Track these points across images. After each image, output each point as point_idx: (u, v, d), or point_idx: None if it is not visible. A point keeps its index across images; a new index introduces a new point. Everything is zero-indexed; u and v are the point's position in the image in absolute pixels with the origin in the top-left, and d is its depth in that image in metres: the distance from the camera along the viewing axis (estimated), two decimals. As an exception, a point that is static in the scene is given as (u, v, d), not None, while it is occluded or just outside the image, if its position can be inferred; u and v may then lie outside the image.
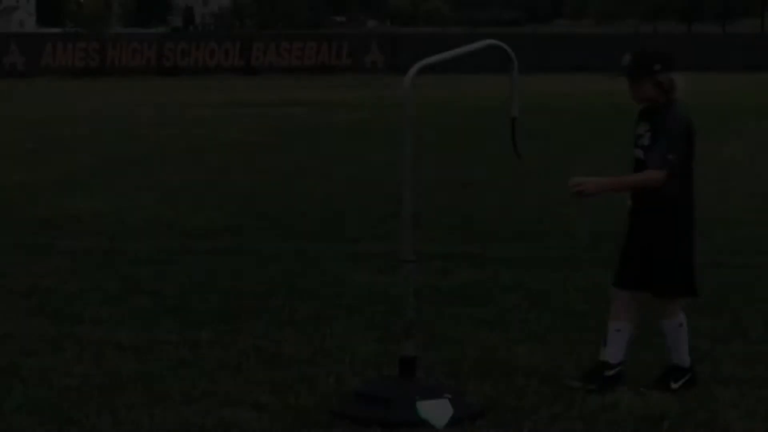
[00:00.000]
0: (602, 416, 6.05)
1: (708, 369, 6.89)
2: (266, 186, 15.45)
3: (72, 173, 16.93)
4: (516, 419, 6.00)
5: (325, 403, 6.21)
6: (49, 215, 12.88)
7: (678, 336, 6.55)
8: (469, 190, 14.96)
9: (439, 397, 6.00)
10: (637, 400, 6.27)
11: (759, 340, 7.63)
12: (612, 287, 6.61)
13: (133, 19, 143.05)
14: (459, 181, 15.79)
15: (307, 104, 34.25)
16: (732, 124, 26.48)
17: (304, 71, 62.14)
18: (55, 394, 6.40)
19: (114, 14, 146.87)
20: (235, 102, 35.39)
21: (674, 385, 6.49)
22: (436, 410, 5.94)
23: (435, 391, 6.06)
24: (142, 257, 10.43)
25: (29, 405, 6.20)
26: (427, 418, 5.92)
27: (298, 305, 8.53)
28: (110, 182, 15.86)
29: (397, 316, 7.34)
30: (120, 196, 14.38)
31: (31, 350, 7.28)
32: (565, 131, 22.85)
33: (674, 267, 6.43)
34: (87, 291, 9.02)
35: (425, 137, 21.36)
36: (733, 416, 6.07)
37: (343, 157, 19.28)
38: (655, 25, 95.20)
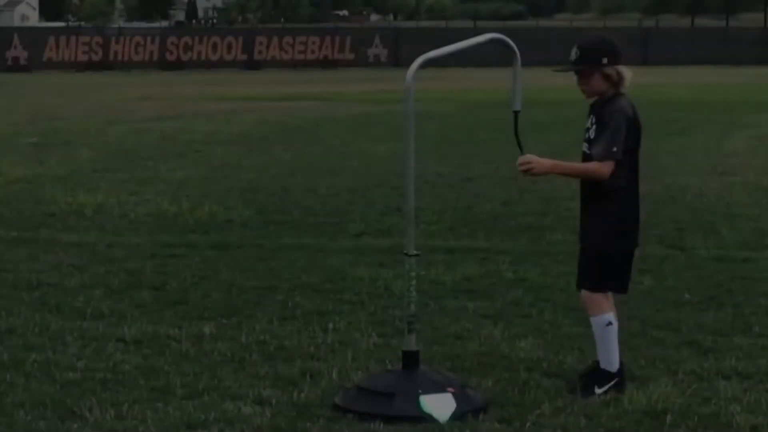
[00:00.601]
0: (605, 411, 6.05)
1: (711, 363, 6.88)
2: (269, 180, 15.45)
3: (74, 168, 16.93)
4: (519, 413, 5.99)
5: (328, 398, 6.21)
6: (51, 209, 12.89)
7: (605, 335, 6.31)
8: (472, 183, 14.96)
9: (442, 391, 5.99)
10: (640, 394, 6.26)
11: (762, 334, 7.62)
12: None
13: (136, 13, 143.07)
14: (461, 175, 15.79)
15: (310, 98, 34.25)
16: (736, 118, 26.46)
17: (306, 65, 62.17)
18: (58, 389, 6.39)
19: (116, 8, 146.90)
20: (237, 96, 35.39)
21: (598, 390, 6.27)
22: (438, 404, 5.94)
23: (438, 385, 6.06)
24: (144, 252, 10.43)
25: (32, 399, 6.19)
26: (429, 413, 5.91)
27: (301, 300, 8.53)
28: (113, 176, 15.86)
29: (400, 310, 7.34)
30: (122, 190, 14.38)
31: (33, 345, 7.27)
32: (568, 124, 22.80)
33: (602, 258, 6.27)
34: (90, 285, 9.02)
35: (428, 131, 21.36)
36: (736, 410, 6.06)
37: (345, 151, 19.27)
38: (657, 19, 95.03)
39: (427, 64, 6.14)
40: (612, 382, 6.31)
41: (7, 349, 7.16)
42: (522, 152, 6.45)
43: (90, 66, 60.22)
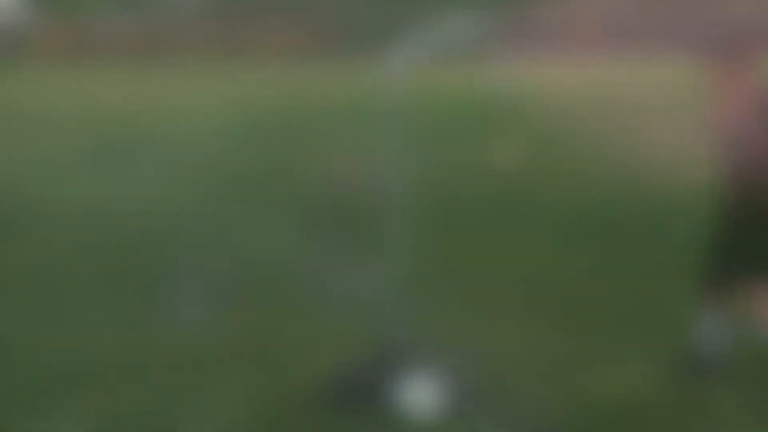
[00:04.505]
0: (598, 409, 5.97)
1: (714, 368, 6.81)
2: (273, 176, 15.39)
3: (68, 162, 16.87)
4: (505, 406, 5.92)
5: (315, 391, 6.15)
6: (41, 206, 12.81)
7: None
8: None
9: (427, 382, 5.94)
10: (636, 396, 6.18)
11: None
12: None
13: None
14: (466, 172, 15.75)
15: (312, 92, 34.17)
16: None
17: (305, 59, 62.18)
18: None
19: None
20: (232, 92, 35.30)
21: None
22: (424, 395, 5.89)
23: (424, 376, 6.01)
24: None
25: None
26: (414, 404, 5.86)
27: (293, 294, 8.47)
28: (109, 172, 15.79)
29: (391, 305, 7.30)
30: (117, 186, 14.34)
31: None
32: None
33: None
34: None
35: (425, 127, 21.31)
36: (739, 418, 5.98)
37: (344, 147, 19.20)
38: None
39: (425, 58, 6.12)
40: None
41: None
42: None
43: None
